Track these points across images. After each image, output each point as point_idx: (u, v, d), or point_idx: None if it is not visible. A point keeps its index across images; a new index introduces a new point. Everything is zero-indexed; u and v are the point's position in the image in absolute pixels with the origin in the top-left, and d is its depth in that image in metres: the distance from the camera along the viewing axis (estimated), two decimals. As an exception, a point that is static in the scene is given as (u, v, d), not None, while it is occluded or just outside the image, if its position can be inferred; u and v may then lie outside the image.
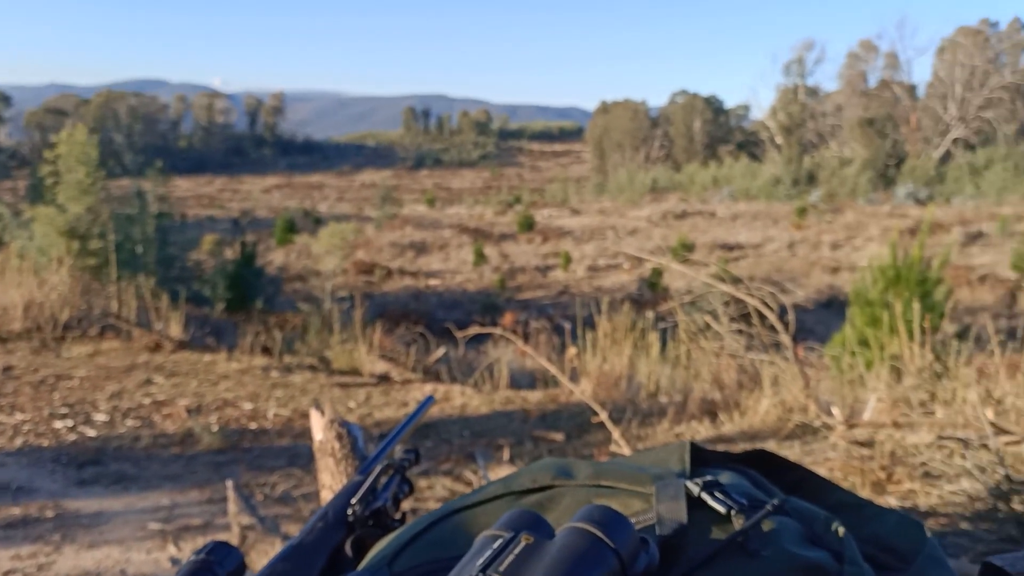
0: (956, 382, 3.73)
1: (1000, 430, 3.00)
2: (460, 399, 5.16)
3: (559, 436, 4.38)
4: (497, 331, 4.35)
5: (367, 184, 60.28)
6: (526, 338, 7.92)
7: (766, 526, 0.60)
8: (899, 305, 4.86)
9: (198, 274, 12.82)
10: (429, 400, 1.03)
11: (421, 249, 23.84)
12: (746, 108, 60.03)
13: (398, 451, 0.85)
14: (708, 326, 4.86)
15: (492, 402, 5.08)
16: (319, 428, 1.97)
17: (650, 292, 17.40)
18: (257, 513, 2.49)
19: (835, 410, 3.47)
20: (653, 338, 5.59)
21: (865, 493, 2.92)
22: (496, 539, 0.52)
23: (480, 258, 21.33)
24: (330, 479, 1.93)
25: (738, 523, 0.60)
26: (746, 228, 27.92)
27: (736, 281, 4.65)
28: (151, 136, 72.19)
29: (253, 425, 4.67)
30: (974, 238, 23.59)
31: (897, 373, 4.22)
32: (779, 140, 50.55)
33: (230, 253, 14.60)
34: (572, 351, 5.32)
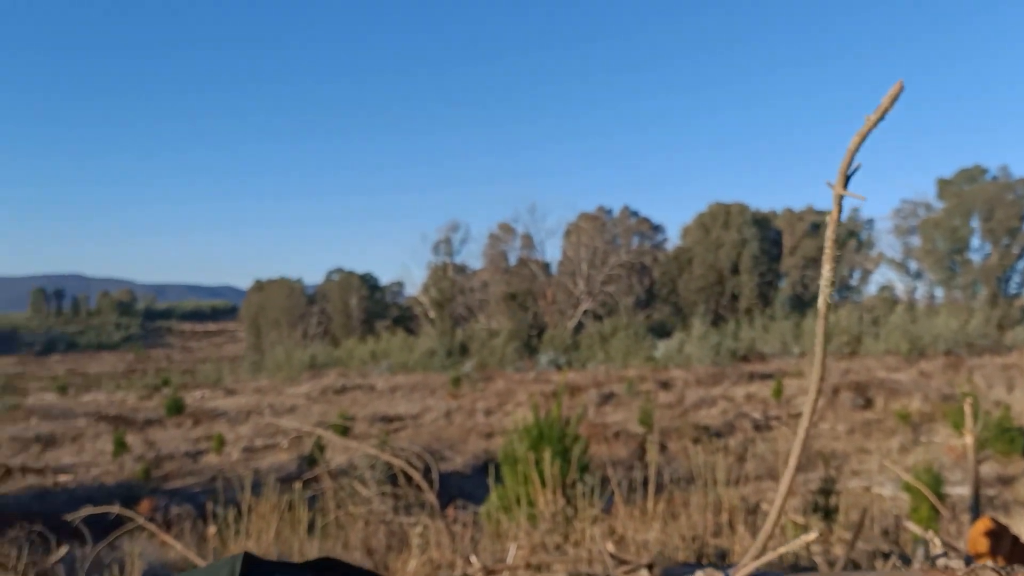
0: (584, 523, 3.99)
1: (620, 561, 3.22)
2: (82, 601, 4.55)
3: (198, 628, 3.99)
4: (115, 509, 3.94)
5: (-16, 373, 53.51)
6: (168, 526, 7.28)
7: None
8: (541, 460, 5.16)
9: None
10: None
11: (49, 442, 21.34)
12: (400, 284, 62.45)
13: None
14: (356, 492, 4.80)
15: (121, 600, 4.55)
16: None
17: (310, 469, 16.92)
18: None
19: (473, 559, 3.55)
20: (302, 512, 5.39)
21: (505, 640, 2.97)
22: None
23: (121, 447, 19.45)
24: None
25: None
26: (405, 399, 28.46)
27: (383, 446, 4.68)
28: None
29: None
30: (607, 398, 25.97)
31: (536, 521, 4.43)
32: (432, 314, 53.00)
33: None
34: (212, 530, 4.95)
